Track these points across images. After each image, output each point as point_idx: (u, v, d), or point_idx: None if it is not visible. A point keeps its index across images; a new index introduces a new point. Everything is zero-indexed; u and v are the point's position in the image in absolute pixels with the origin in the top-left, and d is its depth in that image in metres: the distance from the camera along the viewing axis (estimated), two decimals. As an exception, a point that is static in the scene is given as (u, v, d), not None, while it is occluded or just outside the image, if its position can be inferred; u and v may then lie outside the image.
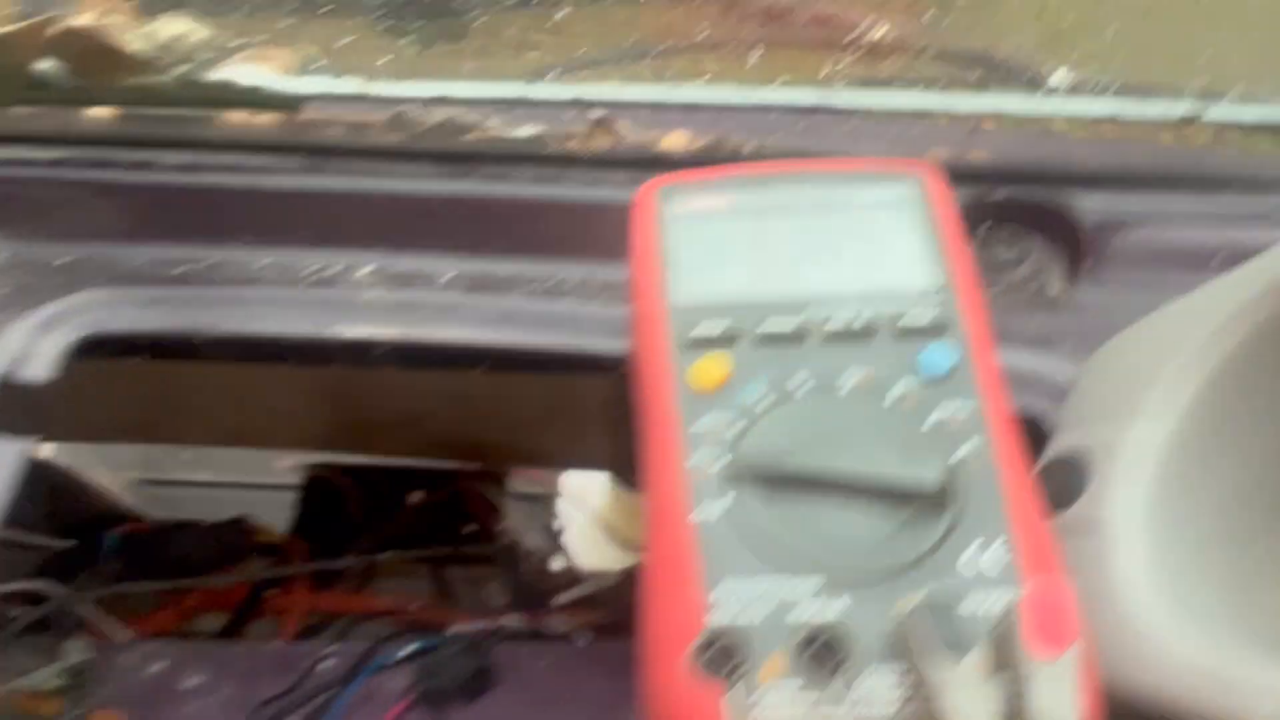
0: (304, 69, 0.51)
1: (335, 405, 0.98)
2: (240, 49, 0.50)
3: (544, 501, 1.02)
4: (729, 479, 0.37)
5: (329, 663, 0.69)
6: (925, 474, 0.36)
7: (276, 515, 1.00)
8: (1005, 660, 0.31)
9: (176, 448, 1.12)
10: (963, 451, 0.38)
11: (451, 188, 0.55)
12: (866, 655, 0.33)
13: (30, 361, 0.48)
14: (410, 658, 0.69)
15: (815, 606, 0.34)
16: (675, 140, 0.60)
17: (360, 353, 0.52)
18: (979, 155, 0.56)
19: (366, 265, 0.53)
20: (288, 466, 1.04)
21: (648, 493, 0.39)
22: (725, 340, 0.41)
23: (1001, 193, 0.54)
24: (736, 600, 0.35)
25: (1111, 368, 0.45)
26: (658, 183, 0.47)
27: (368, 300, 0.52)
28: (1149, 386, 0.41)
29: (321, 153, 0.54)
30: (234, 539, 0.89)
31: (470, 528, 0.95)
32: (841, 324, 0.41)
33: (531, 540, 0.98)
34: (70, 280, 0.52)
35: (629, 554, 1.04)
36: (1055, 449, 0.45)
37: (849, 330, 0.41)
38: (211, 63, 0.50)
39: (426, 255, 0.54)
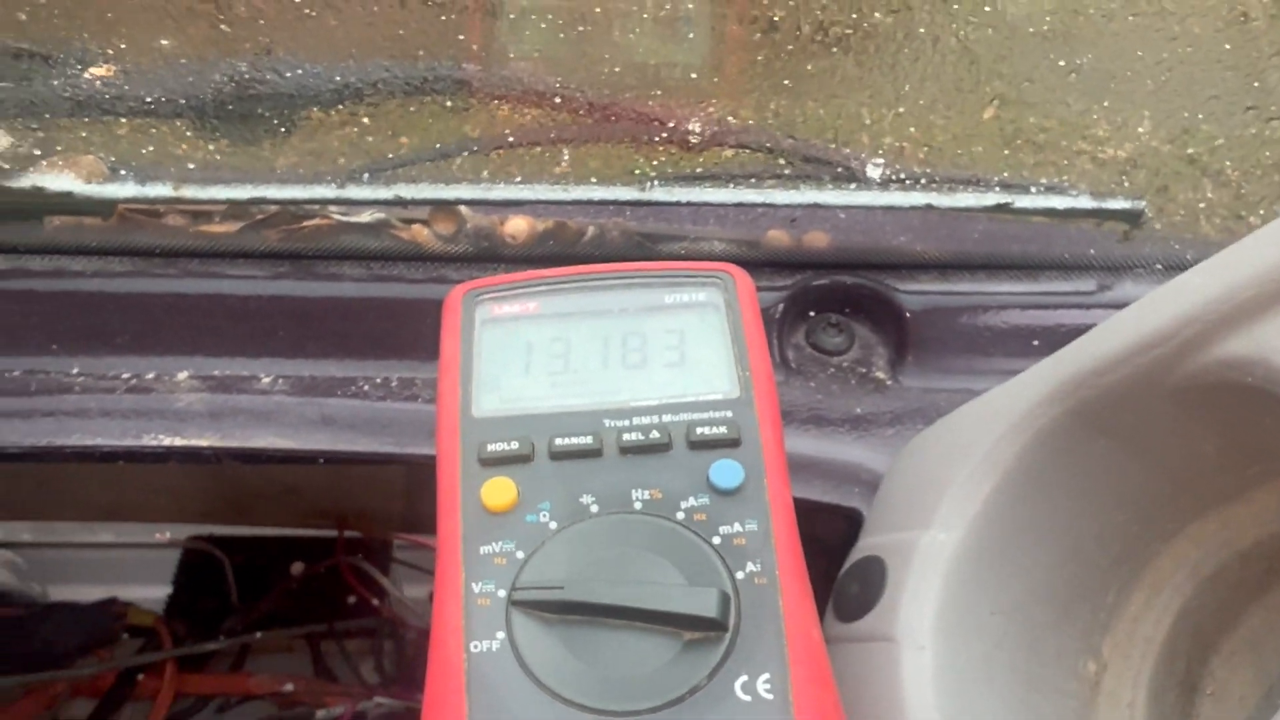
0: (113, 174, 0.50)
1: (209, 480, 0.97)
2: (44, 156, 0.49)
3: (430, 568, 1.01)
4: (509, 609, 0.37)
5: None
6: (704, 602, 0.36)
7: (160, 575, 0.98)
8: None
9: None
10: (747, 570, 0.38)
11: (276, 289, 0.54)
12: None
13: None
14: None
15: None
16: (517, 225, 0.60)
17: (188, 455, 0.51)
18: (810, 240, 0.57)
19: (185, 370, 0.52)
20: (164, 540, 1.02)
21: (434, 616, 0.38)
22: (519, 458, 0.41)
23: (828, 279, 0.55)
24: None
25: (910, 471, 0.45)
26: (466, 287, 0.47)
27: (185, 406, 0.51)
28: (940, 494, 0.41)
29: (144, 254, 0.54)
30: (104, 622, 0.87)
31: (351, 598, 0.94)
32: (637, 437, 0.41)
33: (415, 609, 0.97)
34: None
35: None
36: (859, 551, 0.45)
37: (644, 443, 0.41)
38: (17, 170, 0.49)
39: (249, 358, 0.53)
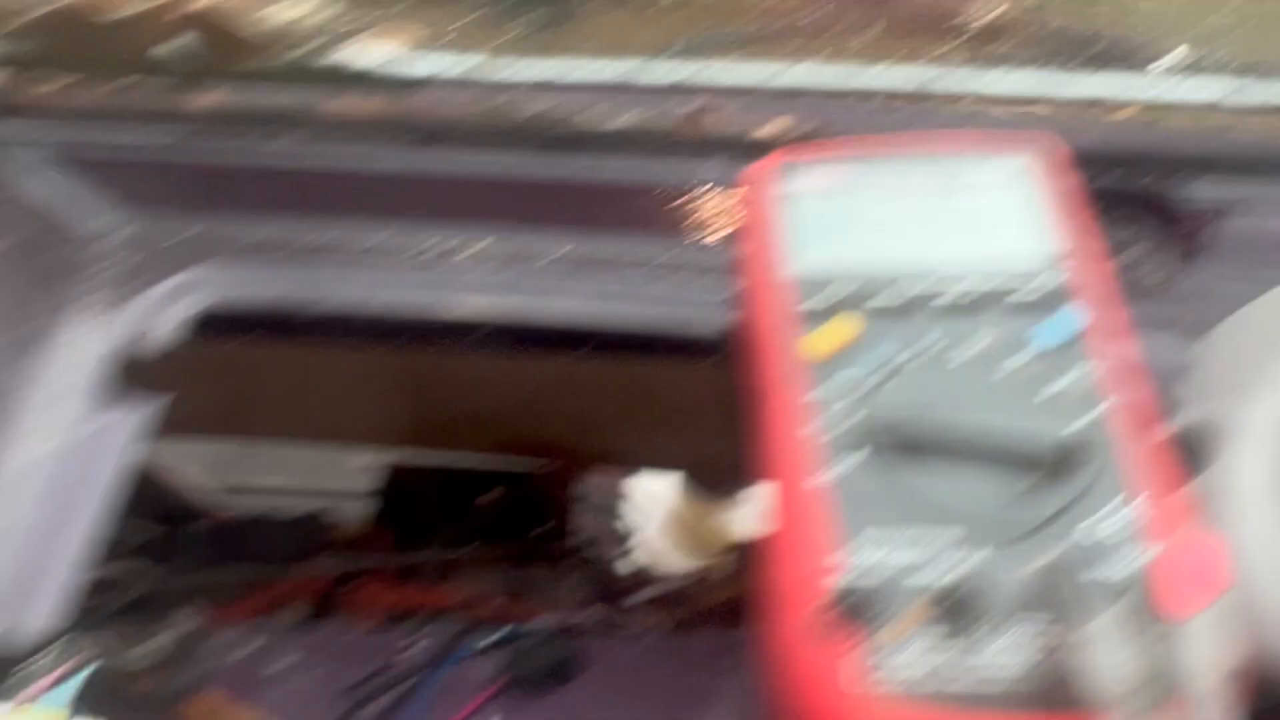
0: (415, 52, 0.52)
1: (415, 401, 1.00)
2: (354, 32, 0.52)
3: (614, 503, 1.03)
4: (858, 437, 0.38)
5: (414, 650, 0.70)
6: (1048, 438, 0.37)
7: (361, 497, 1.02)
8: (1142, 618, 0.31)
9: (252, 453, 1.14)
10: (1087, 418, 0.38)
11: (556, 171, 0.56)
12: (1001, 612, 0.33)
13: (152, 331, 0.50)
14: (494, 647, 0.70)
15: (950, 561, 0.34)
16: (775, 126, 0.60)
17: (460, 332, 0.53)
18: (1087, 140, 0.56)
19: (473, 244, 0.54)
20: (364, 465, 1.05)
21: (768, 460, 0.39)
22: (845, 309, 0.42)
23: (1108, 179, 0.54)
24: (873, 551, 0.35)
25: (1233, 343, 0.45)
26: (774, 159, 0.48)
27: (473, 278, 0.53)
28: (1272, 358, 0.41)
29: (432, 136, 0.56)
30: (311, 534, 0.91)
31: (542, 528, 0.95)
32: (959, 296, 0.42)
33: (601, 541, 0.99)
34: (190, 254, 0.53)
35: (698, 558, 1.04)
36: (1176, 425, 0.45)
37: (966, 302, 0.42)
38: (327, 46, 0.52)
39: (532, 235, 0.55)
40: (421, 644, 0.70)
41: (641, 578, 0.96)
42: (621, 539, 1.00)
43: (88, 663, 0.38)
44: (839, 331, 0.41)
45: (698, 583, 0.90)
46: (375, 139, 0.56)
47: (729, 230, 0.50)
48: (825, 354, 0.40)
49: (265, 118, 0.56)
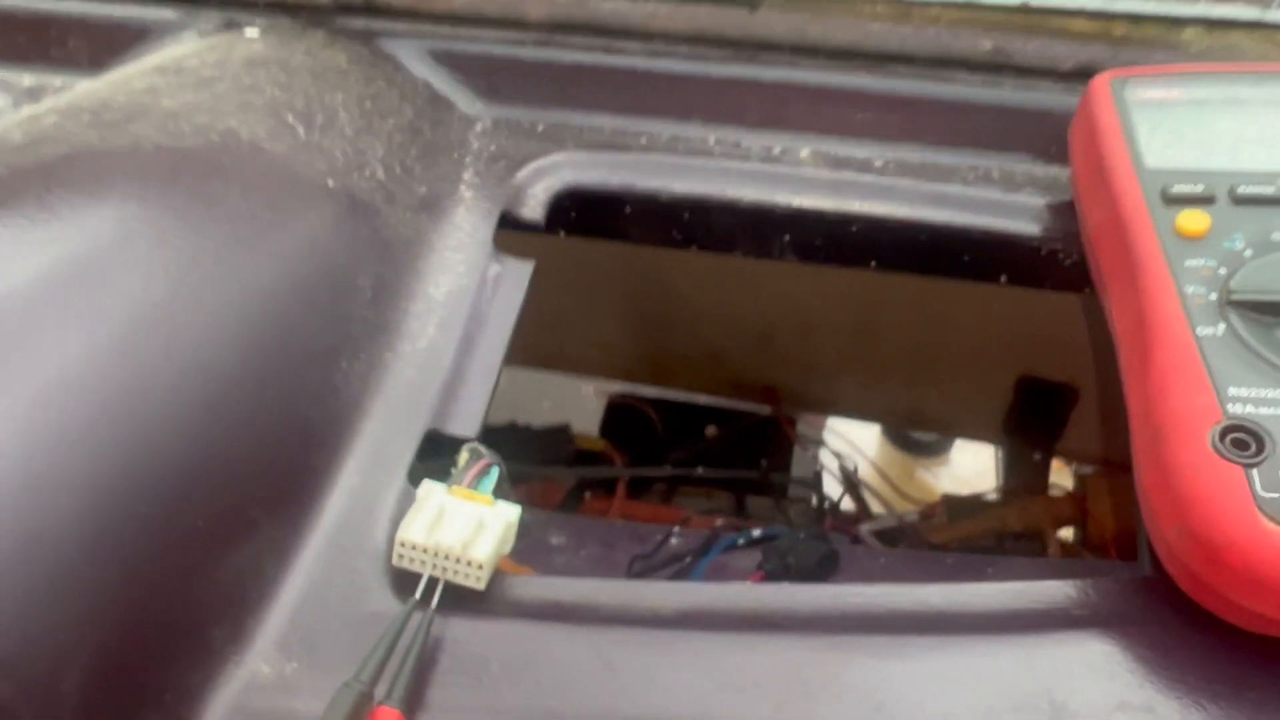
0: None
1: (638, 339, 1.06)
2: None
3: (829, 447, 1.07)
4: (1224, 307, 0.41)
5: (677, 540, 0.75)
6: None
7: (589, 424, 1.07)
8: None
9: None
10: None
11: (887, 86, 0.60)
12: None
13: (525, 204, 0.56)
14: (757, 542, 0.74)
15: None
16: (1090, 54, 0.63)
17: (770, 237, 0.58)
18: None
19: (806, 147, 0.59)
20: (593, 392, 1.12)
21: (1141, 318, 0.43)
22: (1203, 199, 0.45)
23: None
24: (1248, 399, 0.38)
25: None
26: (1109, 75, 0.52)
27: (809, 177, 0.57)
28: None
29: (768, 48, 0.61)
30: (557, 444, 0.97)
31: (766, 464, 1.00)
32: (1316, 191, 0.45)
33: (821, 482, 1.04)
34: (545, 143, 0.59)
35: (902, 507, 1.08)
36: None
37: (1324, 197, 0.44)
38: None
39: (861, 142, 0.59)
40: (682, 538, 0.75)
41: (859, 516, 1.00)
42: (839, 481, 1.05)
43: (494, 465, 0.43)
44: (1198, 218, 0.44)
45: (915, 525, 0.93)
46: (713, 53, 0.61)
47: (1064, 148, 0.54)
48: (1190, 235, 0.44)
49: (611, 28, 0.63)
